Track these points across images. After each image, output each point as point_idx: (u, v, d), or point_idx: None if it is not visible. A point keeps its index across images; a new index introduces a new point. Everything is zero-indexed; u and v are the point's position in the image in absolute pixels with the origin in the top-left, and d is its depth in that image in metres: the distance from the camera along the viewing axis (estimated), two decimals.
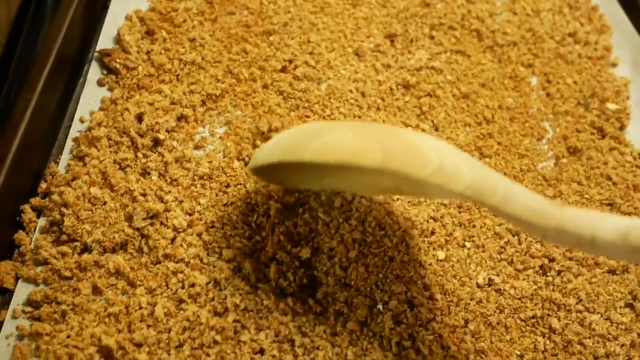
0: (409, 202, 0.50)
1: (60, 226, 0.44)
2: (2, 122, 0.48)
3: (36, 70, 0.50)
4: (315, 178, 0.43)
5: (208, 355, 0.40)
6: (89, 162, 0.48)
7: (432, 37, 0.63)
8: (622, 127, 0.59)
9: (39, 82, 0.49)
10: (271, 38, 0.59)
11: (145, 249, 0.44)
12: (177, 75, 0.55)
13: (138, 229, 0.45)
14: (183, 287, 0.43)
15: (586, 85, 0.61)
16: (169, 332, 0.41)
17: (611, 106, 0.60)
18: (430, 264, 0.47)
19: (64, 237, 0.44)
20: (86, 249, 0.44)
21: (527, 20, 0.66)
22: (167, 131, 0.50)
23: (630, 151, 0.57)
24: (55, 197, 0.45)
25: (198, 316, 0.41)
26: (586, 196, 0.53)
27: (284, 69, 0.55)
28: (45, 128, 0.50)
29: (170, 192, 0.47)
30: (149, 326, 0.41)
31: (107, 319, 0.41)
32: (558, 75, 0.62)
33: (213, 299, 0.43)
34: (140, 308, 0.41)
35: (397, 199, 0.50)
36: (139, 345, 0.40)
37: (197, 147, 0.51)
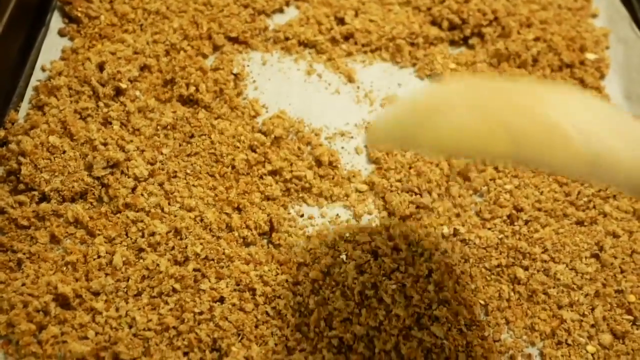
0: None
1: (18, 175, 0.44)
2: None
3: None
4: None
5: (167, 303, 0.40)
6: (49, 111, 0.47)
7: None
8: (602, 77, 0.58)
9: None
10: None
11: (105, 199, 0.44)
12: (141, 24, 0.54)
13: (98, 178, 0.44)
14: (143, 236, 0.42)
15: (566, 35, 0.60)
16: (128, 280, 0.40)
17: (590, 56, 0.59)
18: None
19: (22, 186, 0.44)
20: (44, 198, 0.44)
21: None
22: (130, 81, 0.49)
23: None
24: (12, 145, 0.45)
25: (157, 265, 0.41)
26: None
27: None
28: (6, 76, 0.49)
29: (132, 141, 0.46)
30: (107, 274, 0.40)
31: (64, 268, 0.41)
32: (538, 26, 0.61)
33: (173, 247, 0.42)
34: (99, 257, 0.41)
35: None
36: (96, 293, 0.40)
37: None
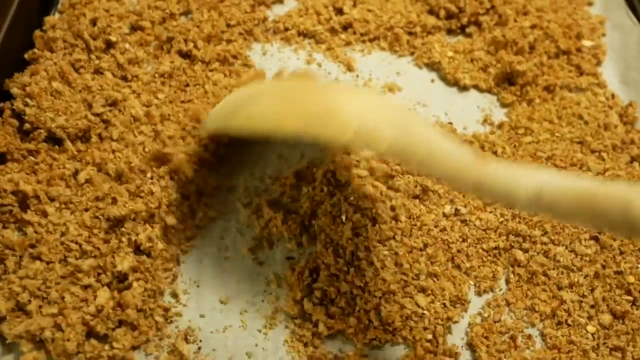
0: None
1: (23, 116, 0.46)
2: None
3: None
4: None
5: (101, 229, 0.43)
6: (44, 62, 0.50)
7: None
8: (598, 63, 0.59)
9: None
10: None
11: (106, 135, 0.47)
12: None
13: (99, 115, 0.47)
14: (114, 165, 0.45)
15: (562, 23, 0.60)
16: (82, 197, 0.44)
17: (587, 43, 0.59)
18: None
19: (28, 125, 0.46)
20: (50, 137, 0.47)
21: None
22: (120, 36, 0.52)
23: (603, 92, 0.56)
24: (16, 90, 0.48)
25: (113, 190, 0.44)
26: (557, 134, 0.53)
27: None
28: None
29: (129, 86, 0.50)
30: (67, 187, 0.44)
31: (29, 169, 0.45)
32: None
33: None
34: (64, 168, 0.45)
35: None
36: (52, 199, 0.43)
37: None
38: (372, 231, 0.44)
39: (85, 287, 0.41)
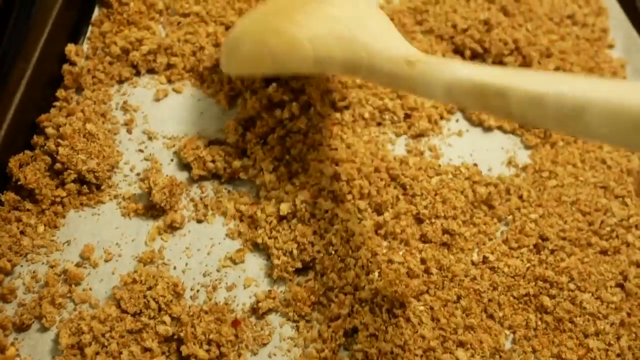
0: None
1: (56, 155, 0.47)
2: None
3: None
4: None
5: None
6: (81, 102, 0.52)
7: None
8: None
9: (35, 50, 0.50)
10: None
11: None
12: (179, 22, 0.57)
13: None
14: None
15: (584, 66, 0.61)
16: None
17: None
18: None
19: (59, 165, 0.47)
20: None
21: (526, 2, 0.66)
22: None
23: None
24: (50, 130, 0.48)
25: None
26: (581, 179, 0.53)
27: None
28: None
29: None
30: None
31: None
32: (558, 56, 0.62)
33: None
34: None
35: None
36: None
37: None
38: (409, 289, 0.44)
39: (145, 350, 0.41)
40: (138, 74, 0.54)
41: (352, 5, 0.42)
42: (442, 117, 0.56)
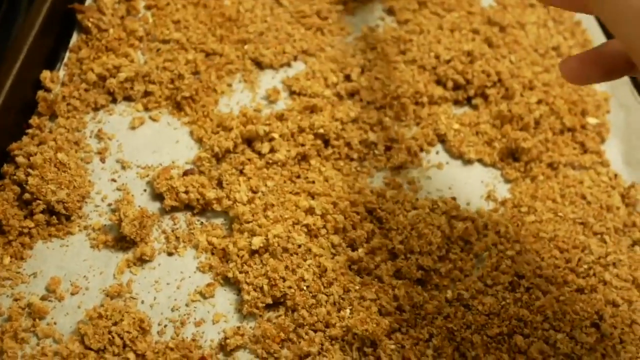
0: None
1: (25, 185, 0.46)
2: None
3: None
4: None
5: None
6: (54, 129, 0.51)
7: None
8: (602, 141, 0.59)
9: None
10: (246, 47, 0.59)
11: None
12: (158, 49, 0.56)
13: None
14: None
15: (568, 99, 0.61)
16: None
17: (592, 120, 0.60)
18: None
19: (28, 195, 0.46)
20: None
21: (511, 33, 0.66)
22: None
23: (607, 171, 0.57)
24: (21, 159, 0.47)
25: None
26: (560, 214, 0.53)
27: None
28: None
29: None
30: None
31: None
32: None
33: None
34: None
35: None
36: None
37: None
38: (380, 328, 0.43)
39: None
40: (114, 101, 0.53)
41: None
42: (422, 149, 0.56)
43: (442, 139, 0.57)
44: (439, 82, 0.61)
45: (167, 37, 0.57)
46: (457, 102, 0.60)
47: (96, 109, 0.53)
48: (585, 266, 0.50)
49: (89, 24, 0.55)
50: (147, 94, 0.54)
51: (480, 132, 0.58)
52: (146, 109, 0.54)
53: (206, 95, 0.55)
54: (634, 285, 0.49)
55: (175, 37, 0.57)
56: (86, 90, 0.53)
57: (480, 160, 0.56)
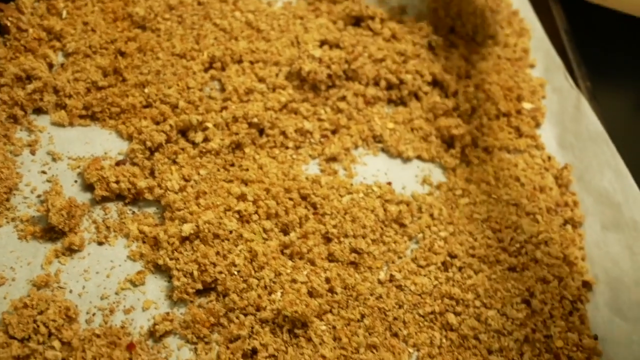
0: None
1: None
2: None
3: None
4: None
5: None
6: None
7: None
8: (537, 125, 0.60)
9: None
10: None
11: None
12: (62, 64, 0.55)
13: None
14: None
15: (504, 85, 0.62)
16: None
17: (527, 105, 0.61)
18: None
19: None
20: None
21: (447, 23, 0.67)
22: None
23: (541, 154, 0.58)
24: None
25: None
26: (494, 196, 0.54)
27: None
28: None
29: None
30: None
31: None
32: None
33: None
34: None
35: None
36: None
37: None
38: (309, 309, 0.43)
39: None
40: (25, 112, 0.52)
41: None
42: (356, 147, 0.56)
43: (378, 140, 0.57)
44: (376, 83, 0.60)
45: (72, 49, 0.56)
46: (390, 101, 0.60)
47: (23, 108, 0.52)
48: (517, 245, 0.50)
49: (8, 23, 0.54)
50: (60, 106, 0.53)
51: (415, 129, 0.58)
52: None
53: (131, 95, 0.54)
54: (564, 262, 0.50)
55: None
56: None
57: (419, 157, 0.57)
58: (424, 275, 0.48)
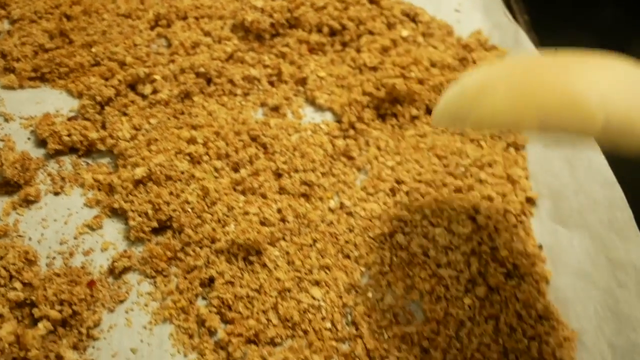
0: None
1: None
2: None
3: None
4: None
5: None
6: None
7: None
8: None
9: None
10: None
11: None
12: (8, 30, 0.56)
13: None
14: None
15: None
16: None
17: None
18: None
19: None
20: None
21: None
22: None
23: None
24: None
25: None
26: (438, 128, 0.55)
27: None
28: None
29: None
30: None
31: None
32: None
33: None
34: None
35: None
36: None
37: None
38: (261, 235, 0.45)
39: None
40: None
41: None
42: (297, 93, 0.58)
43: (303, 82, 0.58)
44: (319, 30, 0.61)
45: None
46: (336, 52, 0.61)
47: None
48: (462, 168, 0.52)
49: None
50: (9, 70, 0.55)
51: (341, 77, 0.58)
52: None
53: (79, 55, 0.55)
54: (508, 180, 0.52)
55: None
56: None
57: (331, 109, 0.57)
58: (373, 202, 0.50)
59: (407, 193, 0.50)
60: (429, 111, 0.56)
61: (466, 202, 0.50)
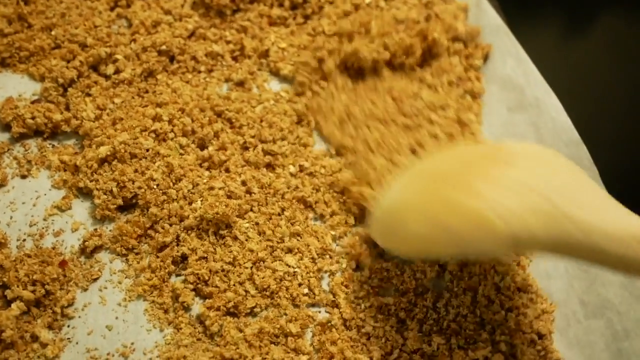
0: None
1: None
2: None
3: None
4: None
5: None
6: None
7: None
8: None
9: None
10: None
11: None
12: None
13: None
14: None
15: None
16: None
17: None
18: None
19: None
20: None
21: None
22: None
23: None
24: None
25: None
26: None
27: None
28: None
29: None
30: None
31: None
32: None
33: None
34: None
35: None
36: None
37: None
38: (229, 209, 0.46)
39: None
40: None
41: (546, 168, 0.36)
42: (261, 66, 0.57)
43: (265, 55, 0.58)
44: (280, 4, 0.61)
45: None
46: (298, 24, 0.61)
47: None
48: (415, 110, 0.53)
49: None
50: None
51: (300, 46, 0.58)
52: None
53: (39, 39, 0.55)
54: (459, 123, 0.53)
55: None
56: None
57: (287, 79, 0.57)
58: (330, 157, 0.51)
59: (355, 128, 0.52)
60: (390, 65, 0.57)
61: (412, 138, 0.51)
